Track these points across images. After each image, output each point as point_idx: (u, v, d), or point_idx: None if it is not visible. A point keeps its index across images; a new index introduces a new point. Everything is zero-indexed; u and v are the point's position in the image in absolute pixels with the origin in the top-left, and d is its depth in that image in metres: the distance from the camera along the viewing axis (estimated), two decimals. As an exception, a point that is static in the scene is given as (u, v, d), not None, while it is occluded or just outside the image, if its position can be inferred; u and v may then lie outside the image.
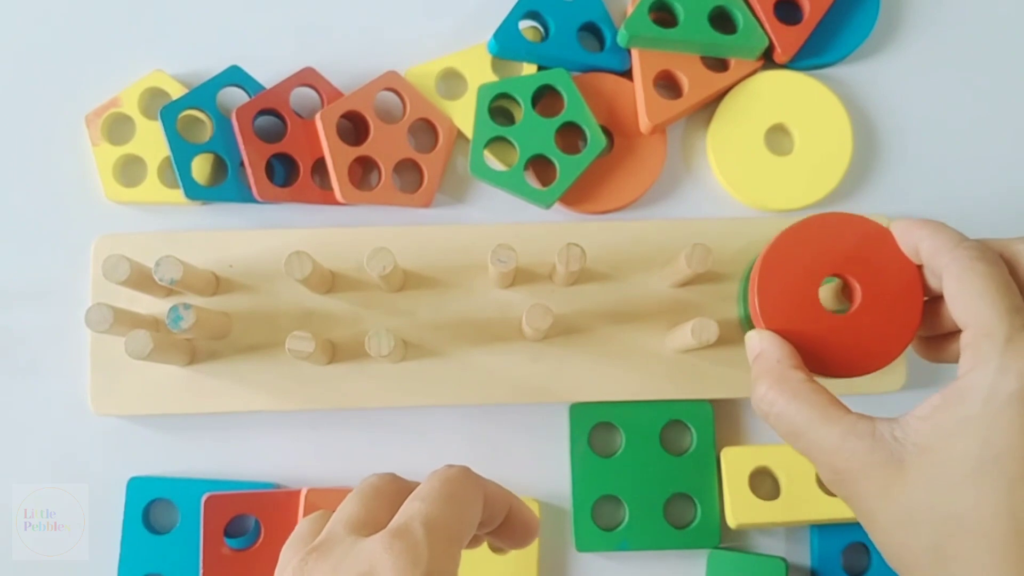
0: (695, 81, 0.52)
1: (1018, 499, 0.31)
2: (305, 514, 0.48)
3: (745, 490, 0.49)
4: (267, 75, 0.52)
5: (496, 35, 0.52)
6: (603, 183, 0.53)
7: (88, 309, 0.44)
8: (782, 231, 0.40)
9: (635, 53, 0.52)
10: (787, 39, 0.52)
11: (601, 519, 0.50)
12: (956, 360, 0.34)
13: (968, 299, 0.34)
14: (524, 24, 0.53)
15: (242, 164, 0.51)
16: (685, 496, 0.50)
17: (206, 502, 0.48)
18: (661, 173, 0.53)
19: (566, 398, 0.51)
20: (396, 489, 0.34)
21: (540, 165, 0.52)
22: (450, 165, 0.53)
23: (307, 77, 0.52)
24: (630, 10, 0.52)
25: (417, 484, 0.34)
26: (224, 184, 0.51)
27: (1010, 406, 0.32)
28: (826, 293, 0.40)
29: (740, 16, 0.52)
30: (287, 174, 0.52)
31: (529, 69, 0.53)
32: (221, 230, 0.52)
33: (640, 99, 0.52)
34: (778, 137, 0.54)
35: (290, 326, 0.47)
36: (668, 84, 0.53)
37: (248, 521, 0.50)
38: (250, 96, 0.52)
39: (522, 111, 0.52)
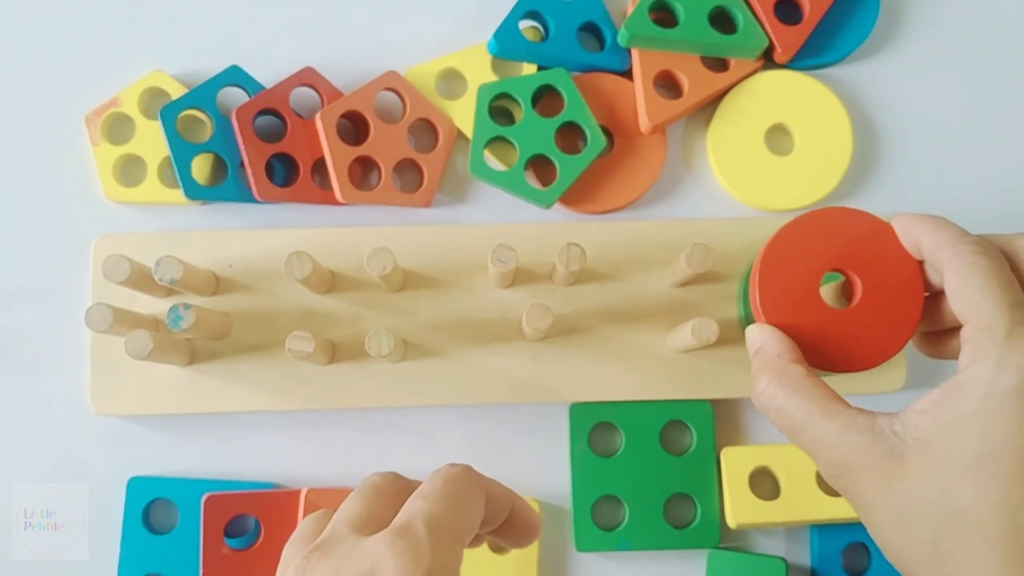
0: (695, 81, 0.52)
1: (1017, 494, 0.31)
2: (305, 514, 0.48)
3: (745, 490, 0.49)
4: (267, 75, 0.52)
5: (496, 35, 0.52)
6: (603, 183, 0.53)
7: (88, 309, 0.44)
8: (783, 226, 0.40)
9: (635, 53, 0.52)
10: (787, 39, 0.52)
11: (601, 519, 0.50)
12: (956, 356, 0.34)
13: (969, 294, 0.34)
14: (524, 24, 0.53)
15: (242, 164, 0.51)
16: (685, 496, 0.50)
17: (206, 502, 0.48)
18: (661, 173, 0.53)
19: (566, 398, 0.51)
20: (398, 488, 0.34)
21: (540, 165, 0.52)
22: (450, 165, 0.53)
23: (307, 77, 0.52)
24: (630, 10, 0.52)
25: (419, 483, 0.34)
26: (224, 184, 0.51)
27: (1009, 401, 0.32)
28: (827, 293, 0.40)
29: (740, 16, 0.52)
30: (287, 174, 0.52)
31: (529, 69, 0.53)
32: (221, 230, 0.52)
33: (640, 99, 0.52)
34: (778, 137, 0.54)
35: (290, 326, 0.47)
36: (668, 84, 0.54)
37: (248, 521, 0.49)
38: (250, 96, 0.52)
39: (522, 111, 0.52)
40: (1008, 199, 0.54)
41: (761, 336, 0.39)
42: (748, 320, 0.44)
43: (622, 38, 0.52)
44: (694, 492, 0.50)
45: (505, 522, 0.36)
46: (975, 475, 0.32)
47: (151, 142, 0.52)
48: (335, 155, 0.51)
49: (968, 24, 0.55)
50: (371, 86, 0.52)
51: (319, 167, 0.52)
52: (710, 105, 0.54)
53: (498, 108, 0.53)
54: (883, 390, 0.50)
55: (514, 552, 0.49)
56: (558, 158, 0.51)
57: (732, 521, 0.49)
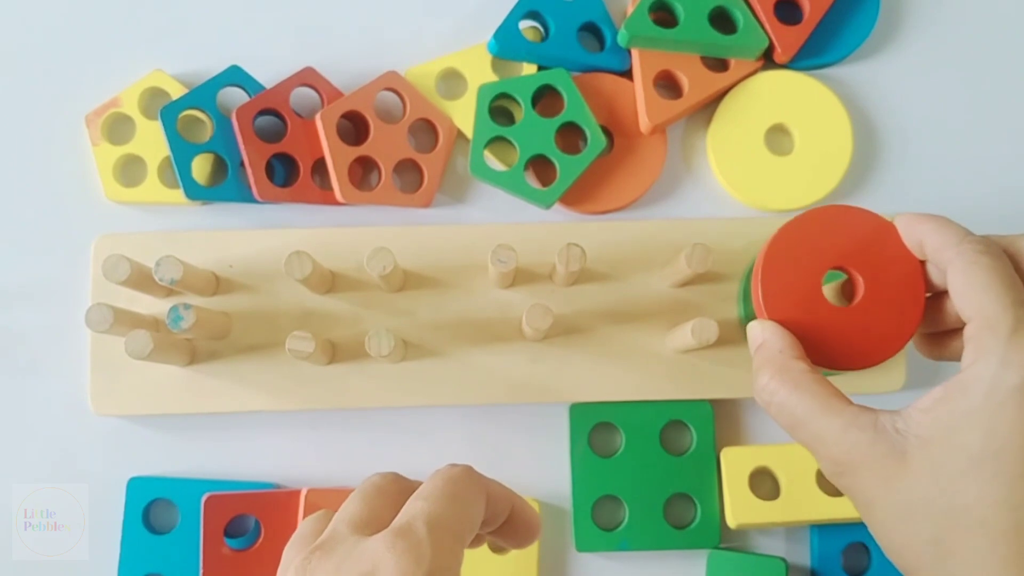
0: (695, 81, 0.52)
1: (1018, 493, 0.31)
2: (305, 514, 0.48)
3: (745, 490, 0.49)
4: (267, 75, 0.52)
5: (496, 35, 0.52)
6: (603, 183, 0.53)
7: (88, 309, 0.44)
8: (787, 223, 0.40)
9: (635, 53, 0.52)
10: (787, 39, 0.52)
11: (601, 519, 0.50)
12: (958, 358, 0.34)
13: (973, 292, 0.34)
14: (524, 24, 0.53)
15: (242, 164, 0.51)
16: (685, 496, 0.50)
17: (206, 502, 0.48)
18: (661, 173, 0.53)
19: (566, 398, 0.51)
20: (399, 488, 0.34)
21: (540, 165, 0.52)
22: (450, 165, 0.53)
23: (307, 77, 0.52)
24: (630, 10, 0.52)
25: (419, 483, 0.34)
26: (224, 184, 0.51)
27: (1013, 399, 0.32)
28: (827, 292, 0.40)
29: (740, 16, 0.52)
30: (287, 174, 0.52)
31: (529, 69, 0.53)
32: (221, 230, 0.52)
33: (640, 99, 0.52)
34: (778, 137, 0.54)
35: (290, 326, 0.47)
36: (668, 84, 0.54)
37: (248, 521, 0.49)
38: (250, 96, 0.52)
39: (522, 111, 0.52)
40: (1008, 199, 0.54)
41: (763, 332, 0.39)
42: (748, 320, 0.44)
43: (622, 38, 0.52)
44: (694, 492, 0.50)
45: (505, 522, 0.36)
46: (977, 473, 0.32)
47: (151, 142, 0.52)
48: (335, 155, 0.51)
49: (968, 24, 0.55)
50: (371, 86, 0.52)
51: (319, 167, 0.52)
52: (710, 105, 0.54)
53: (498, 108, 0.53)
54: (883, 390, 0.50)
55: (514, 552, 0.49)
56: (558, 158, 0.51)
57: (732, 521, 0.49)
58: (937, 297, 0.39)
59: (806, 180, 0.53)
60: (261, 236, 0.51)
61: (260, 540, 0.48)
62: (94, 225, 0.52)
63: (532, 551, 0.49)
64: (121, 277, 0.45)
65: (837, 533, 0.50)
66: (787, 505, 0.49)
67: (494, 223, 0.52)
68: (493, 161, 0.53)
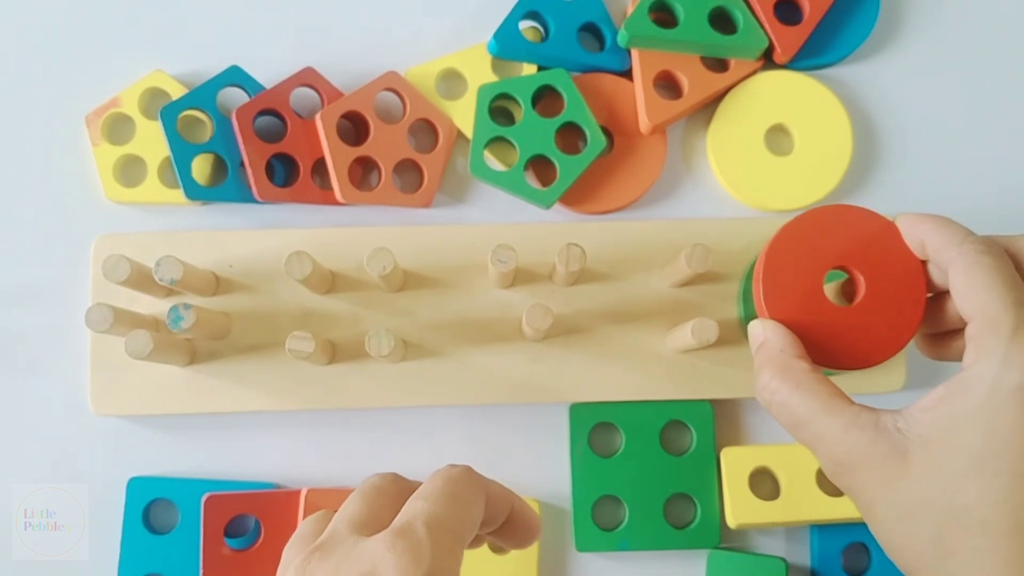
0: (695, 81, 0.52)
1: (1019, 492, 0.31)
2: (305, 514, 0.48)
3: (745, 490, 0.49)
4: (267, 75, 0.52)
5: (496, 35, 0.52)
6: (603, 183, 0.53)
7: (88, 309, 0.44)
8: (788, 222, 0.40)
9: (635, 53, 0.52)
10: (787, 39, 0.52)
11: (601, 519, 0.50)
12: (960, 358, 0.34)
13: (974, 292, 0.34)
14: (524, 24, 0.53)
15: (242, 164, 0.51)
16: (685, 496, 0.50)
17: (206, 502, 0.48)
18: (661, 173, 0.53)
19: (566, 398, 0.51)
20: (398, 489, 0.35)
21: (540, 165, 0.52)
22: (450, 165, 0.53)
23: (307, 77, 0.52)
24: (630, 10, 0.52)
25: (419, 484, 0.34)
26: (224, 184, 0.51)
27: (1014, 399, 0.32)
28: (828, 292, 0.40)
29: (740, 16, 0.52)
30: (287, 174, 0.52)
31: (529, 69, 0.53)
32: (221, 230, 0.52)
33: (640, 99, 0.52)
34: (778, 137, 0.54)
35: (290, 326, 0.47)
36: (668, 84, 0.54)
37: (248, 521, 0.49)
38: (250, 96, 0.52)
39: (522, 111, 0.52)
40: (1008, 199, 0.54)
41: (764, 331, 0.39)
42: (748, 320, 0.44)
43: (622, 38, 0.52)
44: (694, 492, 0.50)
45: (505, 523, 0.36)
46: (978, 473, 0.32)
47: (151, 142, 0.52)
48: (335, 155, 0.51)
49: (968, 24, 0.55)
50: (371, 86, 0.52)
51: (319, 167, 0.52)
52: (710, 105, 0.54)
53: (498, 108, 0.53)
54: (883, 390, 0.50)
55: (514, 552, 0.49)
56: (558, 158, 0.51)
57: (732, 521, 0.49)
58: (938, 297, 0.39)
59: (806, 180, 0.53)
60: (261, 236, 0.51)
61: (260, 540, 0.48)
62: (94, 225, 0.52)
63: (532, 551, 0.49)
64: (121, 277, 0.45)
65: (837, 533, 0.50)
66: (787, 505, 0.49)
67: (494, 223, 0.52)
68: (493, 161, 0.53)
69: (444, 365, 0.50)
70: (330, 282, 0.50)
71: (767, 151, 0.53)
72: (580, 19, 0.53)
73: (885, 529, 0.35)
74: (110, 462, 0.51)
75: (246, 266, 0.50)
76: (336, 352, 0.50)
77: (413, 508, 0.32)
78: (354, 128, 0.53)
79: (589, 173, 0.52)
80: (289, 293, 0.50)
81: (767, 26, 0.52)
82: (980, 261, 0.34)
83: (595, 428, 0.51)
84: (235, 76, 0.52)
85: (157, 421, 0.51)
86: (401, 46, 0.54)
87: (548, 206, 0.52)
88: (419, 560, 0.30)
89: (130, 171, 0.53)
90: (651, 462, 0.50)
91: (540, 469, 0.51)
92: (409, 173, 0.53)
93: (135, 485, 0.50)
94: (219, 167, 0.52)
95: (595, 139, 0.51)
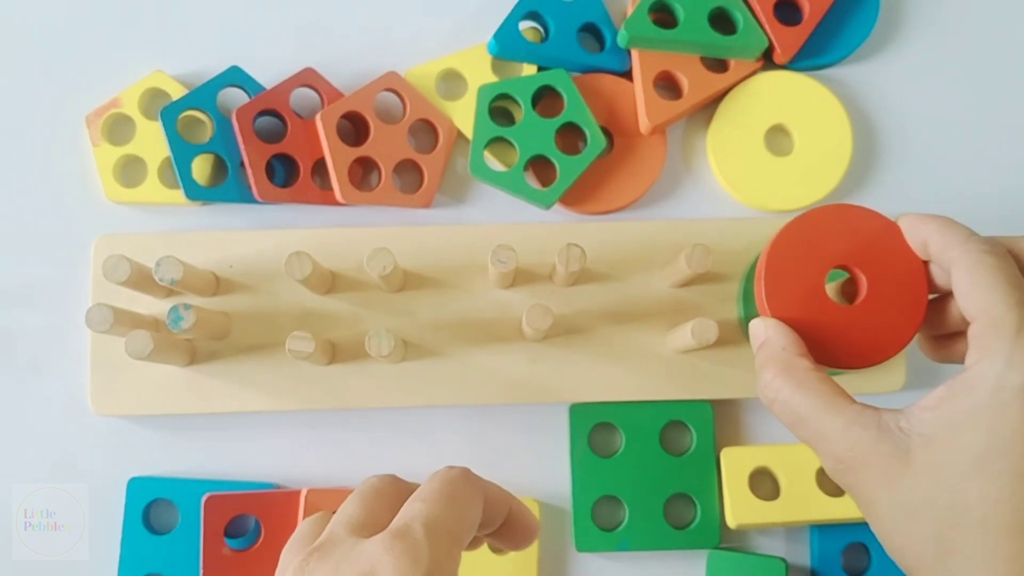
0: (695, 82, 0.52)
1: (1021, 492, 0.31)
2: (305, 515, 0.48)
3: (745, 490, 0.49)
4: (267, 75, 0.52)
5: (496, 35, 0.52)
6: (603, 183, 0.53)
7: (88, 309, 0.44)
8: (791, 220, 0.40)
9: (635, 53, 0.52)
10: (787, 40, 0.52)
11: (601, 519, 0.50)
12: (962, 360, 0.34)
13: (978, 292, 0.34)
14: (524, 24, 0.53)
15: (242, 164, 0.51)
16: (685, 496, 0.50)
17: (206, 502, 0.48)
18: (661, 173, 0.53)
19: (566, 398, 0.51)
20: (397, 490, 0.35)
21: (540, 165, 0.52)
22: (450, 165, 0.53)
23: (307, 77, 0.52)
24: (630, 10, 0.52)
25: (417, 485, 0.34)
26: (224, 184, 0.51)
27: (1017, 399, 0.32)
28: (830, 291, 0.40)
29: (740, 17, 0.52)
30: (287, 174, 0.52)
31: (529, 69, 0.53)
32: (221, 230, 0.52)
33: (640, 99, 0.52)
34: (778, 137, 0.54)
35: (290, 326, 0.47)
36: (668, 84, 0.53)
37: (248, 521, 0.49)
38: (250, 96, 0.52)
39: (522, 111, 0.52)
40: (1009, 199, 0.54)
41: (766, 330, 0.39)
42: (748, 320, 0.44)
43: (622, 39, 0.52)
44: (694, 492, 0.50)
45: (503, 524, 0.36)
46: (980, 472, 0.32)
47: (151, 143, 0.52)
48: (335, 156, 0.51)
49: (968, 24, 0.55)
50: (371, 87, 0.52)
51: (319, 167, 0.52)
52: (710, 106, 0.54)
53: (498, 108, 0.53)
54: (883, 390, 0.50)
55: (514, 552, 0.49)
56: (558, 158, 0.51)
57: (732, 521, 0.49)
58: (941, 299, 0.39)
59: (806, 181, 0.53)
60: (261, 236, 0.51)
61: (260, 540, 0.48)
62: (94, 225, 0.52)
63: (532, 551, 0.49)
64: (121, 277, 0.45)
65: (837, 533, 0.50)
66: (787, 505, 0.49)
67: (494, 223, 0.52)
68: (493, 161, 0.53)
69: (444, 365, 0.50)
70: (330, 282, 0.50)
71: (767, 151, 0.53)
72: (580, 19, 0.53)
73: (886, 528, 0.35)
74: (110, 462, 0.51)
75: (246, 266, 0.51)
76: (336, 352, 0.50)
77: (411, 510, 0.32)
78: (354, 128, 0.53)
79: (589, 173, 0.52)
80: (289, 293, 0.50)
81: (767, 26, 0.52)
82: (984, 261, 0.34)
83: (595, 428, 0.51)
84: (235, 76, 0.52)
85: (157, 421, 0.51)
86: (401, 46, 0.54)
87: (548, 206, 0.52)
88: (417, 561, 0.30)
89: (130, 171, 0.53)
90: (651, 462, 0.50)
91: (540, 469, 0.51)
92: (409, 173, 0.53)
93: (135, 485, 0.50)
94: (219, 167, 0.53)
95: (595, 139, 0.51)
